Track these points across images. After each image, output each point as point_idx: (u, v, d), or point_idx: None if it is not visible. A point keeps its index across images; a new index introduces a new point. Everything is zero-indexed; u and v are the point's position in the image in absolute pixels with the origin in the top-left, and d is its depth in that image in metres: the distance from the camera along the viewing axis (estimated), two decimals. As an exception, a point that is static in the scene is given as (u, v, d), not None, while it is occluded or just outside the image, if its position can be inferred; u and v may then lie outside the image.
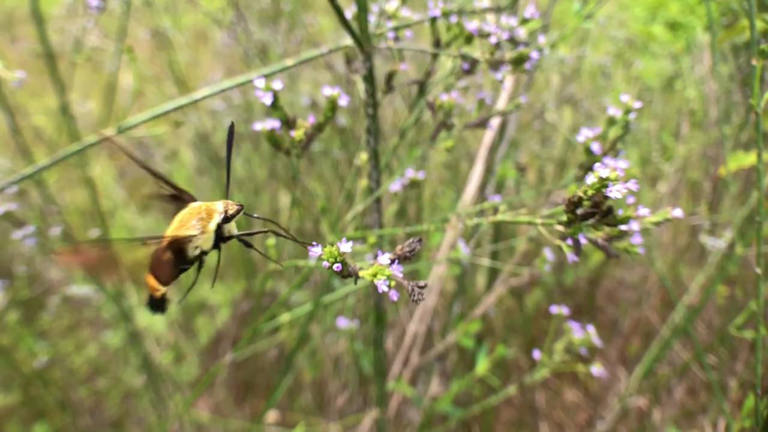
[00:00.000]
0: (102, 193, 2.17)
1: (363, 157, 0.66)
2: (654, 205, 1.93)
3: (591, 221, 0.45)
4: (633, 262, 1.97)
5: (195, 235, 0.50)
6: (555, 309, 0.76)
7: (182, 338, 1.83)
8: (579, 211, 0.44)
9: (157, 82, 1.99)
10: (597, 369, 0.73)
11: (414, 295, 0.39)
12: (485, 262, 0.90)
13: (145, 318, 1.75)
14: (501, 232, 1.43)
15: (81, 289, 1.26)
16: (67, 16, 1.51)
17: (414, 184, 0.83)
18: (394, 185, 0.82)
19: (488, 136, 1.11)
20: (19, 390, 1.46)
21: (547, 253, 0.86)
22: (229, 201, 0.51)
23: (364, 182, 0.66)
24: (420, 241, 0.41)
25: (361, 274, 0.41)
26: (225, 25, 1.65)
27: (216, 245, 0.52)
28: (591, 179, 0.41)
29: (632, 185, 0.41)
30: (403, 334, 1.44)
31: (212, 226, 0.50)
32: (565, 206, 0.44)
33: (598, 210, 0.43)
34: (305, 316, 0.80)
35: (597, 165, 0.40)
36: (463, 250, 0.84)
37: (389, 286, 0.39)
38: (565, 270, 1.96)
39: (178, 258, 0.53)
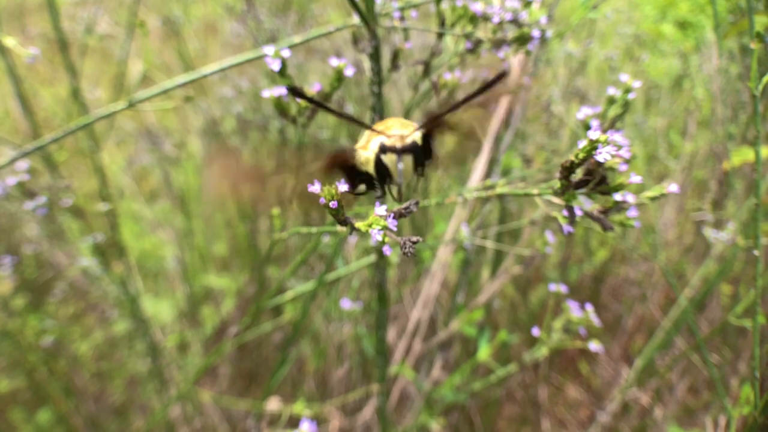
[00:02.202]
0: (110, 182, 2.19)
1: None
2: (660, 202, 1.93)
3: (585, 189, 0.45)
4: (638, 258, 1.98)
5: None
6: (553, 287, 0.77)
7: (187, 327, 1.84)
8: (573, 179, 0.45)
9: (167, 71, 2.00)
10: (595, 345, 0.74)
11: (405, 248, 0.40)
12: (488, 243, 0.91)
13: (151, 306, 1.77)
14: (505, 220, 1.44)
15: (90, 261, 1.28)
16: (78, 2, 1.53)
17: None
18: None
19: (493, 126, 1.12)
20: (23, 376, 1.47)
21: (549, 236, 0.87)
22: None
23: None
24: (417, 203, 0.42)
25: (357, 225, 0.42)
26: (236, 13, 1.66)
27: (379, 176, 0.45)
28: (582, 143, 0.42)
29: (624, 152, 0.42)
30: (406, 324, 1.45)
31: (374, 145, 0.45)
32: (559, 172, 0.45)
33: (592, 177, 0.44)
34: (308, 295, 0.81)
35: (589, 131, 0.41)
36: (465, 232, 0.85)
37: (383, 239, 0.40)
38: (569, 266, 1.97)
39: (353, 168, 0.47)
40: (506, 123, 1.15)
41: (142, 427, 1.61)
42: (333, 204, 0.41)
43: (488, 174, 1.13)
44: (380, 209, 0.41)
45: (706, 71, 1.85)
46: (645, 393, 1.65)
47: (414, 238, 0.40)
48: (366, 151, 0.45)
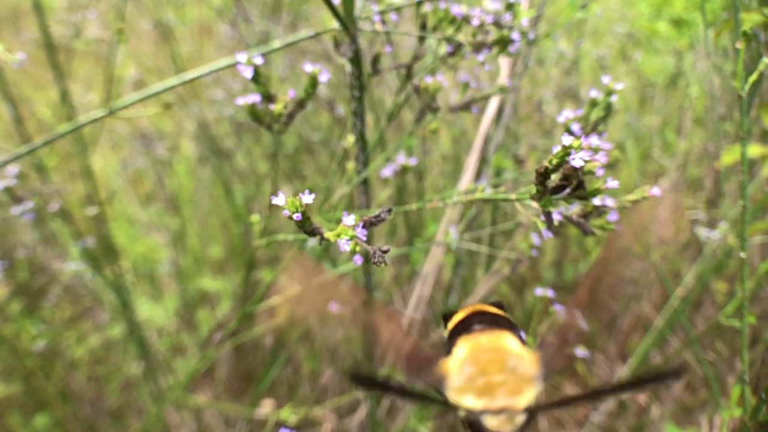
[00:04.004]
0: (104, 185, 2.19)
1: (350, 139, 0.67)
2: (656, 200, 1.93)
3: (562, 195, 0.45)
4: (633, 256, 1.97)
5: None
6: (540, 291, 0.76)
7: (184, 330, 1.84)
8: (549, 184, 0.45)
9: (160, 74, 2.00)
10: (581, 351, 0.74)
11: (375, 258, 0.39)
12: (474, 246, 0.90)
13: (146, 310, 1.77)
14: (497, 220, 1.44)
15: (78, 265, 1.28)
16: (70, 7, 1.52)
17: (405, 170, 0.84)
18: (386, 170, 0.83)
19: (484, 126, 1.12)
20: (20, 381, 1.47)
21: (534, 238, 0.86)
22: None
23: (351, 164, 0.67)
24: (390, 211, 0.41)
25: (326, 235, 0.42)
26: (227, 16, 1.66)
27: None
28: (556, 149, 0.42)
29: (601, 157, 0.42)
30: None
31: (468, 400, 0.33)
32: (534, 178, 0.45)
33: (569, 183, 0.44)
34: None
35: (563, 136, 0.41)
36: (453, 235, 0.84)
37: (353, 249, 0.40)
38: (564, 266, 1.97)
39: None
40: (497, 122, 1.15)
41: (138, 431, 1.61)
42: (297, 216, 0.40)
43: (478, 174, 1.13)
44: (348, 218, 0.40)
45: (701, 69, 1.84)
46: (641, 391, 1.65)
47: (384, 247, 0.39)
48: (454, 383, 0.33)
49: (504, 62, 1.05)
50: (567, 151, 0.41)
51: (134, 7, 1.88)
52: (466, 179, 1.12)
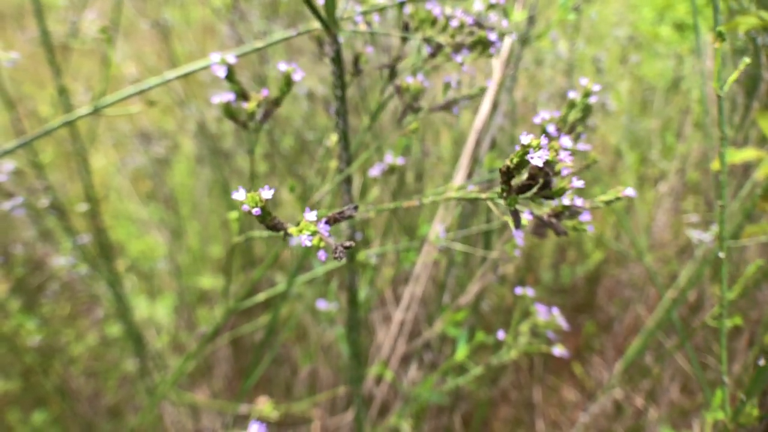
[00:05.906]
0: (106, 183, 2.20)
1: (333, 138, 0.67)
2: (655, 203, 1.93)
3: (529, 194, 0.45)
4: (631, 260, 1.98)
5: None
6: (519, 290, 0.77)
7: (182, 329, 1.85)
8: (514, 183, 0.45)
9: (160, 74, 2.01)
10: (559, 350, 0.74)
11: (337, 253, 0.40)
12: (458, 246, 0.91)
13: (145, 308, 1.78)
14: (491, 219, 1.44)
15: (68, 260, 1.29)
16: (71, 6, 1.53)
17: (393, 170, 0.84)
18: (373, 170, 0.83)
19: (476, 127, 1.12)
20: (19, 378, 1.48)
21: (517, 238, 0.86)
22: None
23: (333, 163, 0.67)
24: (356, 208, 0.42)
25: (289, 230, 0.42)
26: (226, 17, 1.67)
27: None
28: (516, 148, 0.42)
29: (566, 156, 0.42)
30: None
31: None
32: (500, 177, 0.45)
33: (534, 182, 0.44)
34: (282, 295, 0.82)
35: (521, 134, 0.41)
36: (441, 235, 0.85)
37: (316, 244, 0.40)
38: (561, 268, 1.97)
39: None
40: (490, 123, 1.15)
41: (134, 427, 1.63)
42: (256, 211, 0.41)
43: (471, 174, 1.13)
44: (310, 214, 0.41)
45: (699, 72, 1.84)
46: (638, 394, 1.65)
47: (347, 243, 0.40)
48: None
49: (496, 63, 1.06)
50: (525, 150, 0.42)
51: (137, 7, 1.90)
52: (458, 179, 1.12)
